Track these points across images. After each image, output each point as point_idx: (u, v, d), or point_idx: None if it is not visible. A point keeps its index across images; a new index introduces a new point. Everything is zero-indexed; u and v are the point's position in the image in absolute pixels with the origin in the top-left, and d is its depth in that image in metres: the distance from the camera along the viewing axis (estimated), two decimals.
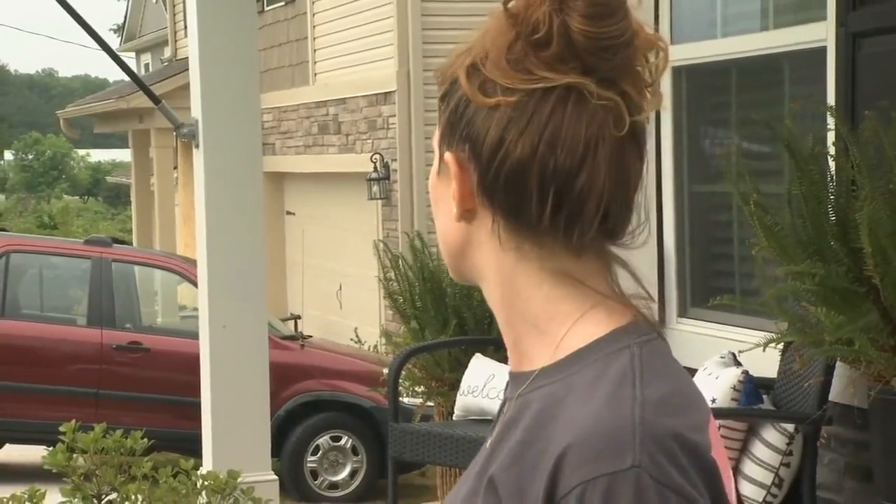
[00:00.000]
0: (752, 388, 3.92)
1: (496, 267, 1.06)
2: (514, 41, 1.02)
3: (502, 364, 5.38)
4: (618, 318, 1.04)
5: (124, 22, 25.45)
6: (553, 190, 1.01)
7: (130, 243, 15.20)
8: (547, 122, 1.01)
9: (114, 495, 4.12)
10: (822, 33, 4.15)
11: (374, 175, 10.42)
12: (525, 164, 1.01)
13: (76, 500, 4.06)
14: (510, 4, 1.02)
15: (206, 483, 4.17)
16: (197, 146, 4.98)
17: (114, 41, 27.25)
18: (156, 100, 5.26)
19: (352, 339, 8.00)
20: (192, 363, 5.32)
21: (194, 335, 5.29)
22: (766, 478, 3.76)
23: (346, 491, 8.39)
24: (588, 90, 1.00)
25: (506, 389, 1.13)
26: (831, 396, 3.76)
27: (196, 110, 4.98)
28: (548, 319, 1.04)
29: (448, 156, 1.05)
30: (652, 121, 1.07)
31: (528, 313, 1.05)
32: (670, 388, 0.99)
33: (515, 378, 1.07)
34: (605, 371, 0.99)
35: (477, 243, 1.06)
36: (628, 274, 1.07)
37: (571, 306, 1.04)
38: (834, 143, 3.57)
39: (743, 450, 3.82)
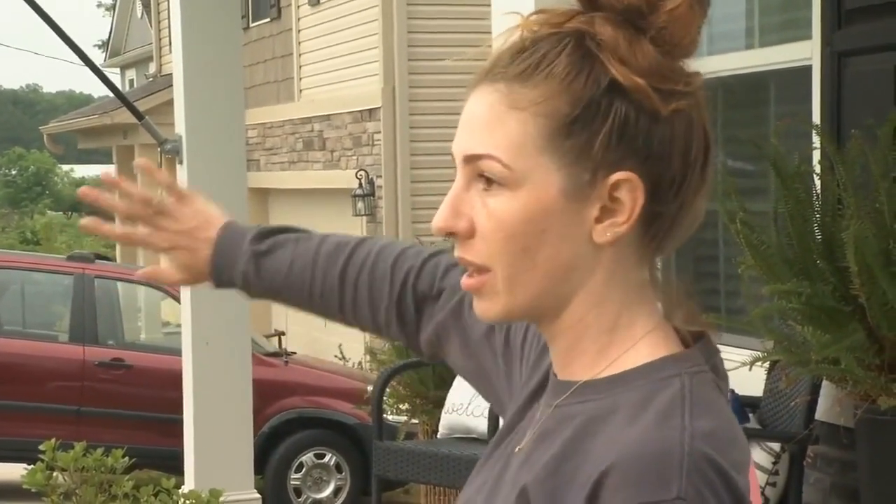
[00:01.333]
0: (737, 406, 3.91)
1: (603, 290, 1.01)
2: (669, 50, 0.99)
3: None
4: (671, 345, 1.02)
5: (109, 38, 25.42)
6: (703, 191, 1.02)
7: (114, 259, 15.14)
8: (704, 123, 1.01)
9: None
10: (807, 52, 4.16)
11: (358, 191, 10.41)
12: (704, 172, 1.01)
13: None
14: (665, 27, 0.99)
15: (187, 502, 4.14)
16: (181, 162, 4.95)
17: (98, 57, 27.21)
18: (139, 115, 5.24)
19: (336, 356, 7.97)
20: (175, 380, 5.28)
21: (177, 352, 5.25)
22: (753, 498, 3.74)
23: None
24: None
25: (538, 394, 1.11)
26: (817, 415, 3.75)
27: (180, 126, 4.96)
28: (620, 339, 1.02)
29: (624, 174, 0.97)
30: None
31: (606, 330, 1.02)
32: (718, 423, 0.97)
33: (559, 385, 1.04)
34: (654, 396, 0.97)
35: (597, 268, 1.00)
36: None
37: (641, 325, 1.02)
38: (820, 162, 3.56)
39: None
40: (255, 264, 1.34)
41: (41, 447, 4.11)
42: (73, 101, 53.58)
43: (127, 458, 4.18)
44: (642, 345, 1.01)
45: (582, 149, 0.98)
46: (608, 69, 0.98)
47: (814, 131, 3.71)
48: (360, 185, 10.43)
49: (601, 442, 0.96)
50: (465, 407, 5.28)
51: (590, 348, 1.02)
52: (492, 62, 1.02)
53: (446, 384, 5.55)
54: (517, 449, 1.04)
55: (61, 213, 40.83)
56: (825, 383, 3.66)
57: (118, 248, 17.76)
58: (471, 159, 1.01)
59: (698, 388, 0.98)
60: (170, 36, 6.16)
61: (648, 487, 0.91)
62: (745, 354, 3.60)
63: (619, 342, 1.02)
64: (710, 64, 4.85)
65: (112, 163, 18.88)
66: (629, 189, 0.98)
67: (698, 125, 1.00)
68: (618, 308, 1.02)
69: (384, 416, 5.40)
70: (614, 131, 0.97)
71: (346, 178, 10.92)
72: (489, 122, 1.00)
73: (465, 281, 1.04)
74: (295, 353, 9.21)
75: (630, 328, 1.02)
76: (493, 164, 0.99)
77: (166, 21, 16.46)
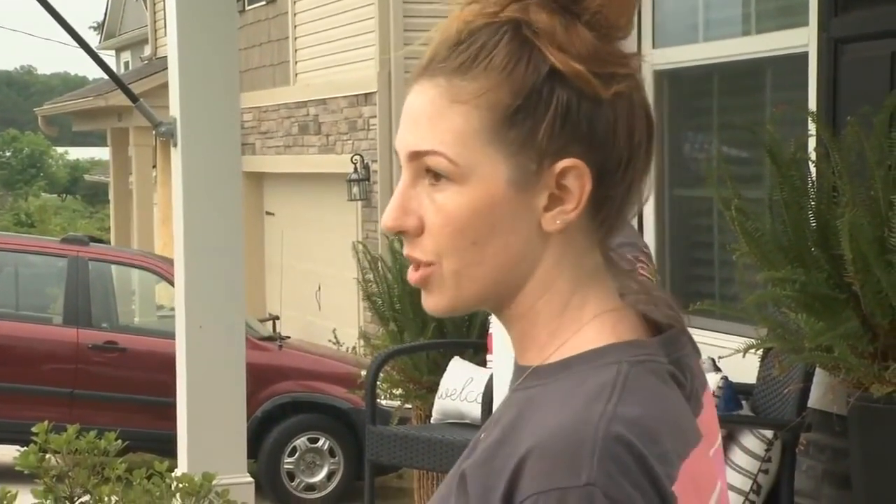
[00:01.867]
0: (731, 393, 3.91)
1: (552, 276, 1.01)
2: (604, 33, 0.99)
3: (480, 367, 5.37)
4: (622, 330, 1.01)
5: (104, 20, 25.33)
6: (648, 172, 1.02)
7: (108, 242, 15.11)
8: (645, 103, 1.01)
9: (86, 497, 4.07)
10: (804, 39, 4.15)
11: (354, 176, 10.39)
12: (648, 153, 1.01)
13: (48, 501, 4.02)
14: (600, 10, 0.99)
15: (180, 485, 4.13)
16: (175, 145, 4.94)
17: (93, 39, 27.12)
18: (133, 98, 5.21)
19: (330, 341, 7.96)
20: (169, 363, 5.27)
21: (171, 335, 5.25)
22: (745, 484, 3.75)
23: (323, 493, 8.35)
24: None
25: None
26: (810, 403, 3.76)
27: (174, 109, 4.94)
28: (569, 323, 1.01)
29: (572, 161, 0.97)
30: None
31: (556, 315, 1.01)
32: (649, 411, 0.95)
33: (517, 370, 1.05)
34: (586, 382, 0.96)
35: (547, 256, 1.00)
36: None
37: (591, 308, 1.01)
38: (815, 149, 3.56)
39: None
40: None
41: (34, 429, 4.10)
42: (68, 83, 53.42)
43: (120, 441, 4.17)
44: (589, 328, 1.00)
45: (526, 138, 0.98)
46: (547, 57, 0.97)
47: (810, 118, 3.70)
48: (356, 169, 10.41)
49: (529, 428, 0.95)
50: (458, 392, 5.28)
51: (541, 333, 1.02)
52: (429, 57, 1.02)
53: (440, 369, 5.55)
54: (482, 436, 1.05)
55: (56, 195, 40.74)
56: (818, 371, 3.66)
57: (112, 231, 17.74)
58: (416, 156, 1.01)
59: (637, 376, 0.96)
60: (165, 18, 6.14)
61: (559, 474, 0.90)
62: (739, 341, 3.60)
63: (567, 325, 1.01)
64: (707, 51, 4.84)
65: (107, 145, 18.83)
66: (576, 176, 0.98)
67: (640, 106, 1.00)
68: (568, 293, 1.01)
69: (378, 400, 5.40)
70: (557, 119, 0.97)
71: (341, 163, 10.90)
72: (431, 118, 1.00)
73: (411, 275, 1.03)
74: (289, 337, 9.21)
75: (579, 311, 1.01)
76: (439, 160, 0.99)
77: (161, 3, 16.40)
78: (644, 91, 1.01)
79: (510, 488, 0.92)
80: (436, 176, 1.00)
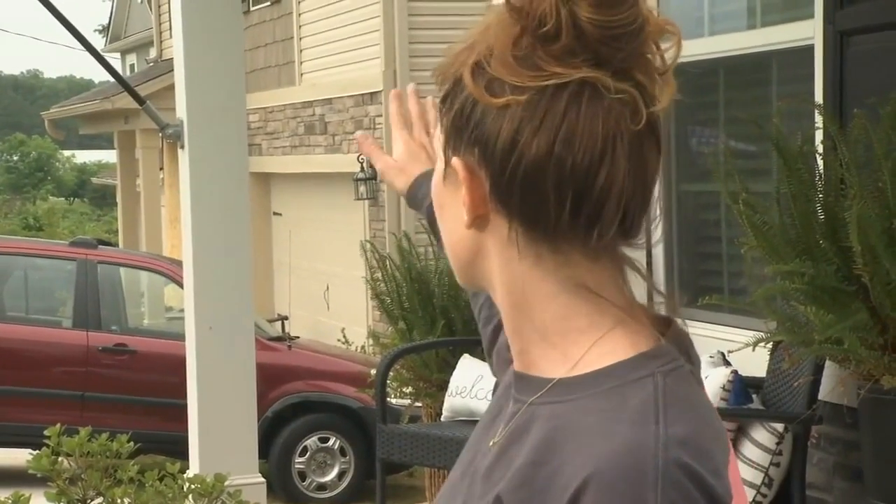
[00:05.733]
0: (741, 387, 3.91)
1: (508, 276, 1.01)
2: (519, 36, 0.97)
3: None
4: (641, 340, 0.99)
5: (109, 22, 25.38)
6: (572, 190, 0.97)
7: (116, 245, 15.14)
8: (562, 120, 0.96)
9: (99, 499, 4.09)
10: (809, 31, 4.14)
11: (360, 175, 10.40)
12: (541, 165, 0.96)
13: None
14: None
15: (192, 486, 4.14)
16: (182, 147, 4.95)
17: (99, 42, 27.17)
18: (140, 100, 5.22)
19: (339, 340, 7.98)
20: (179, 365, 5.29)
21: (181, 337, 5.26)
22: (756, 478, 3.75)
23: (335, 492, 8.37)
24: (603, 84, 0.96)
25: (497, 388, 1.12)
26: (821, 395, 3.75)
27: (181, 111, 4.95)
28: (560, 333, 1.00)
29: (455, 161, 1.01)
30: None
31: (539, 324, 1.01)
32: (695, 425, 0.95)
33: (522, 379, 1.03)
34: (626, 401, 0.95)
35: (487, 251, 1.02)
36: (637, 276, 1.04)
37: (587, 322, 1.00)
38: (822, 142, 3.55)
39: (732, 450, 3.81)
40: (427, 211, 1.50)
41: (46, 432, 4.12)
42: (74, 87, 53.54)
43: (132, 443, 4.18)
44: (607, 342, 0.99)
45: (443, 133, 1.04)
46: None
47: (816, 111, 3.70)
48: (362, 168, 10.42)
49: (575, 451, 0.94)
50: (468, 390, 5.28)
51: (536, 342, 1.02)
52: None
53: (450, 367, 5.56)
54: (492, 443, 1.04)
55: (63, 198, 40.83)
56: (828, 363, 3.66)
57: (121, 233, 17.77)
58: None
59: (672, 388, 0.96)
60: (170, 20, 6.15)
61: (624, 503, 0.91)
62: (748, 335, 3.60)
63: (561, 338, 1.00)
64: (712, 44, 4.84)
65: (114, 148, 18.86)
66: (463, 176, 1.01)
67: (552, 115, 0.96)
68: (532, 301, 1.01)
69: (388, 399, 5.41)
70: (453, 120, 1.02)
71: (347, 162, 10.91)
72: None
73: None
74: (298, 337, 9.22)
75: (585, 320, 1.00)
76: None
77: (166, 5, 16.42)
78: (567, 102, 0.96)
79: None
80: None
